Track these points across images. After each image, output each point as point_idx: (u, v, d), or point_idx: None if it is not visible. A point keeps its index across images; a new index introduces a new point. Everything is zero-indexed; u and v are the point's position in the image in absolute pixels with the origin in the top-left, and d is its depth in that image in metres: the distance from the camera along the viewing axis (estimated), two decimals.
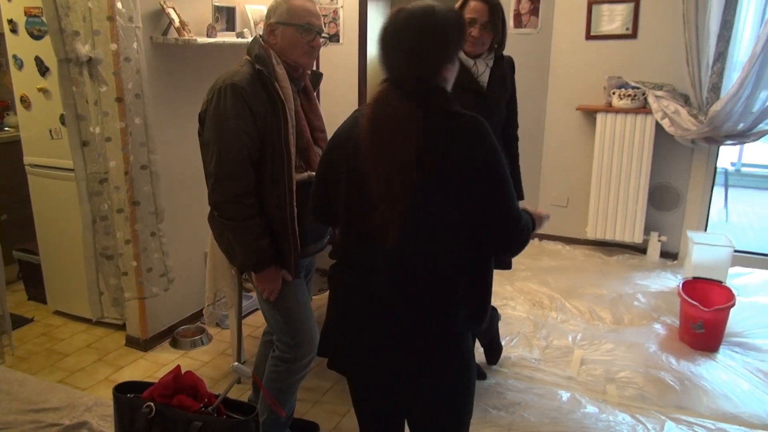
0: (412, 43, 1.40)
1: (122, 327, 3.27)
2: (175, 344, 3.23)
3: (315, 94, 2.18)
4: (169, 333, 3.28)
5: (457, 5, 2.44)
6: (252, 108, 1.86)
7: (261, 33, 2.02)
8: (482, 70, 2.48)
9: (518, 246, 1.47)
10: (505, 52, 2.61)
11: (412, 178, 1.35)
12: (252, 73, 1.90)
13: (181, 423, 1.46)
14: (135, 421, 1.49)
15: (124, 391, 1.58)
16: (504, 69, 2.54)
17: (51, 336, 3.34)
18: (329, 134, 1.66)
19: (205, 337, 3.27)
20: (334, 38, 4.02)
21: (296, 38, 1.94)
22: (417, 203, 1.38)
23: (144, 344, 3.17)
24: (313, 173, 1.95)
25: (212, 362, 3.08)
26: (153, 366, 3.02)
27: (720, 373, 2.92)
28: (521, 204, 1.57)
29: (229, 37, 3.26)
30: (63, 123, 3.06)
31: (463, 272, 1.44)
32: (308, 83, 2.12)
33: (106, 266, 2.87)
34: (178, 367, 1.58)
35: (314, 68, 2.20)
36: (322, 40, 2.02)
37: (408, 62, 1.41)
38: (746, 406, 2.68)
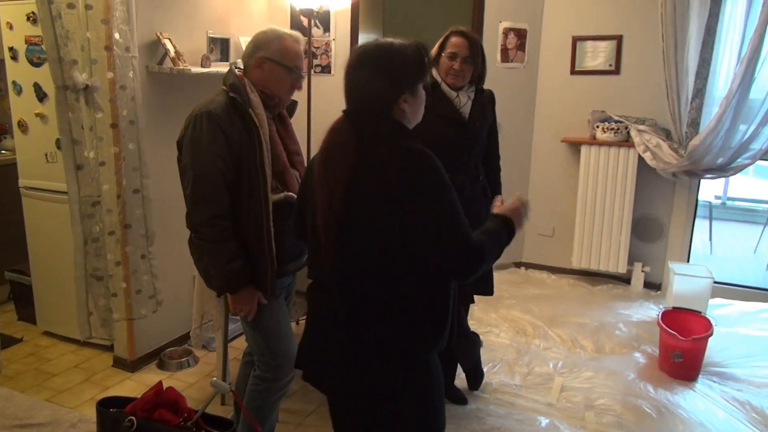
0: (364, 79, 1.49)
1: (110, 348, 3.31)
2: (162, 366, 3.26)
3: (291, 120, 2.28)
4: (156, 354, 3.32)
5: (439, 41, 2.57)
6: (227, 134, 1.95)
7: (236, 62, 2.12)
8: (464, 102, 2.59)
9: (469, 271, 1.48)
10: (493, 86, 2.73)
11: (342, 207, 1.45)
12: (227, 101, 1.99)
13: None
14: None
15: (108, 406, 1.63)
16: (484, 101, 2.66)
17: (39, 356, 3.37)
18: (307, 158, 1.76)
19: (191, 359, 3.31)
20: (326, 69, 4.15)
21: (283, 77, 2.05)
22: (359, 230, 1.47)
23: (131, 365, 3.21)
24: (290, 194, 2.06)
25: (198, 384, 3.11)
26: (139, 387, 3.06)
27: (697, 402, 2.97)
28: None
29: (222, 67, 3.37)
30: (58, 147, 3.13)
31: (413, 294, 1.50)
32: (283, 110, 2.22)
33: (96, 287, 2.93)
34: (160, 382, 1.63)
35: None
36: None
37: (360, 97, 1.51)
38: None
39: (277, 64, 2.04)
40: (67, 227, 2.93)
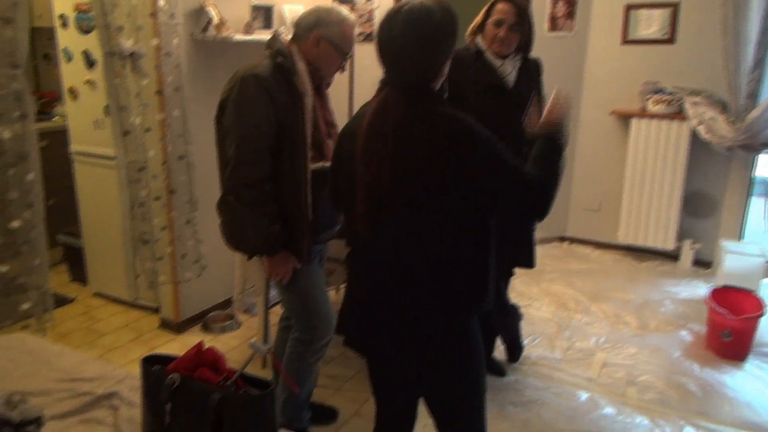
0: (412, 49, 1.45)
1: (157, 310, 3.42)
2: (206, 328, 3.35)
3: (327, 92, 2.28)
4: (200, 317, 3.41)
5: (485, 7, 2.49)
6: (273, 98, 1.95)
7: (279, 30, 2.12)
8: (509, 71, 2.52)
9: (540, 209, 1.47)
10: (540, 55, 2.64)
11: (387, 178, 1.43)
12: (273, 66, 1.99)
13: (202, 395, 1.55)
14: (160, 391, 1.59)
15: (152, 363, 1.68)
16: (530, 70, 2.58)
17: (90, 315, 3.51)
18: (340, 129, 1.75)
19: (234, 323, 3.39)
20: (369, 38, 4.10)
21: (334, 59, 2.09)
22: (402, 199, 1.46)
23: (177, 327, 3.31)
24: (327, 163, 2.05)
25: (240, 347, 3.19)
26: (185, 348, 3.10)
27: (745, 383, 2.89)
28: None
29: (265, 35, 3.36)
30: (107, 113, 3.21)
31: (454, 260, 1.49)
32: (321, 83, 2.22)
33: (143, 250, 3.01)
34: (201, 342, 1.67)
35: None
36: None
37: (410, 68, 1.47)
38: None
39: (333, 46, 2.06)
40: (116, 192, 3.01)
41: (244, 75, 1.97)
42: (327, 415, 2.58)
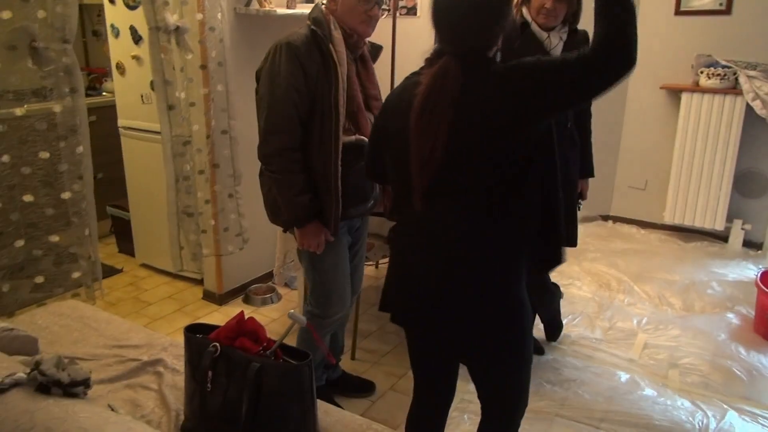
0: (473, 19, 1.42)
1: (200, 282, 3.51)
2: (247, 301, 3.43)
3: (373, 64, 2.24)
4: (242, 290, 3.49)
5: None
6: (304, 67, 1.94)
7: (322, 1, 2.10)
8: (555, 44, 2.45)
9: (617, 57, 1.31)
10: (589, 27, 2.55)
11: (444, 151, 1.40)
12: (308, 34, 1.98)
13: (242, 363, 1.59)
14: (202, 359, 1.64)
15: (194, 332, 1.73)
16: (578, 43, 2.50)
17: (137, 286, 3.63)
18: None
19: (275, 296, 3.45)
20: (412, 11, 4.05)
21: (354, 6, 1.99)
22: (453, 173, 1.44)
23: (219, 299, 3.39)
24: (361, 137, 2.03)
25: (280, 319, 3.25)
26: (226, 319, 3.17)
27: None
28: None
29: (308, 9, 3.35)
30: (153, 88, 3.26)
31: (505, 227, 1.47)
32: (366, 52, 2.18)
33: (187, 223, 3.07)
34: (242, 312, 1.71)
35: (378, 43, 2.27)
36: (380, 11, 2.06)
37: (475, 35, 1.43)
38: None
39: None
40: (161, 165, 3.06)
41: (277, 44, 1.98)
42: (364, 387, 2.61)
